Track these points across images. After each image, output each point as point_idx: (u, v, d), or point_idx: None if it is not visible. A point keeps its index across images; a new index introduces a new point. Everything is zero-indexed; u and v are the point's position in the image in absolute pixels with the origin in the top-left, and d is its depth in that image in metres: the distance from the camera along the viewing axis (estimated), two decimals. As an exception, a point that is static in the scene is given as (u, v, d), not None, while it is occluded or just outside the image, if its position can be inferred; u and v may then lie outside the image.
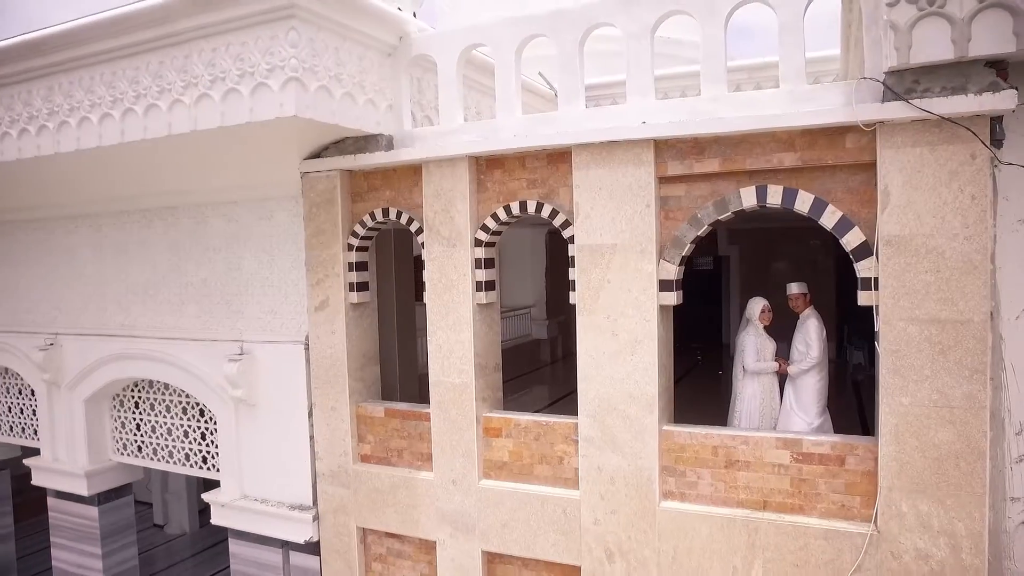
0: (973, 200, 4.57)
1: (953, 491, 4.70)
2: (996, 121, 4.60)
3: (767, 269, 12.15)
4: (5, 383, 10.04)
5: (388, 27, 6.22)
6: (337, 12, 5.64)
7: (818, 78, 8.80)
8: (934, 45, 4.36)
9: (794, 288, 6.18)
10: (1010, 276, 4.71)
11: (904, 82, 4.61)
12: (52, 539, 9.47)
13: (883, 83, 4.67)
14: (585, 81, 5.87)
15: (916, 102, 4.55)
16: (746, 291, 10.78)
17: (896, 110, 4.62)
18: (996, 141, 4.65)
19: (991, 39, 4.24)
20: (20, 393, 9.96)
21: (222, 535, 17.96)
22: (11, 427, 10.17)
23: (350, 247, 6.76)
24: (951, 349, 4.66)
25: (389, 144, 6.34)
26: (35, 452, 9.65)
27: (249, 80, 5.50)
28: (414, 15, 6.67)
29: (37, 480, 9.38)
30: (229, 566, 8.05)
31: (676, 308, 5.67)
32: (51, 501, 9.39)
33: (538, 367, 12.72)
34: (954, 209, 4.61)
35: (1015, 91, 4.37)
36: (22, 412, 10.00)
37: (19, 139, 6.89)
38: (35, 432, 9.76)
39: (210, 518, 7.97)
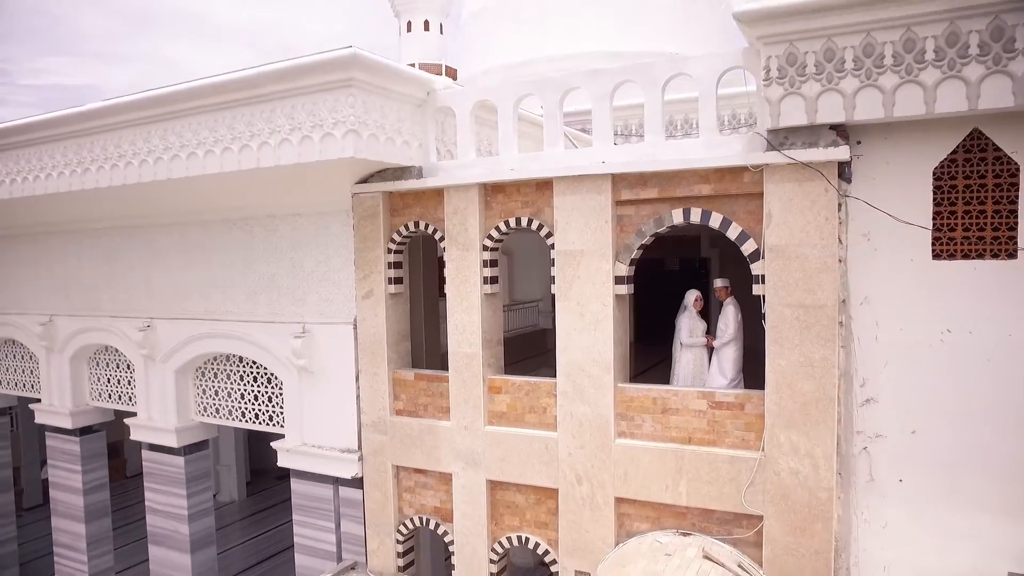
0: (827, 221, 6.55)
1: (813, 426, 6.68)
2: (845, 165, 6.56)
3: (743, 266, 14.02)
4: (108, 359, 12.35)
5: (419, 86, 8.32)
6: (382, 80, 7.75)
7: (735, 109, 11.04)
8: (795, 114, 6.35)
9: (718, 283, 8.15)
10: (856, 273, 6.66)
11: (778, 138, 6.60)
12: (146, 483, 11.74)
13: (765, 138, 6.66)
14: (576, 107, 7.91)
15: (786, 152, 6.54)
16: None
17: (774, 157, 6.61)
18: (847, 178, 6.62)
19: (831, 111, 6.22)
20: (118, 367, 12.27)
21: (266, 503, 20.53)
22: (110, 395, 12.49)
23: (389, 250, 8.88)
24: (812, 326, 6.63)
25: (419, 173, 8.44)
26: (120, 417, 11.93)
27: (319, 130, 7.63)
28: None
29: (135, 436, 11.66)
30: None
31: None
32: (145, 453, 11.65)
33: (543, 351, 14.74)
34: (814, 227, 6.58)
35: (847, 146, 6.35)
36: (119, 382, 12.31)
37: (139, 168, 9.10)
38: (131, 398, 12.06)
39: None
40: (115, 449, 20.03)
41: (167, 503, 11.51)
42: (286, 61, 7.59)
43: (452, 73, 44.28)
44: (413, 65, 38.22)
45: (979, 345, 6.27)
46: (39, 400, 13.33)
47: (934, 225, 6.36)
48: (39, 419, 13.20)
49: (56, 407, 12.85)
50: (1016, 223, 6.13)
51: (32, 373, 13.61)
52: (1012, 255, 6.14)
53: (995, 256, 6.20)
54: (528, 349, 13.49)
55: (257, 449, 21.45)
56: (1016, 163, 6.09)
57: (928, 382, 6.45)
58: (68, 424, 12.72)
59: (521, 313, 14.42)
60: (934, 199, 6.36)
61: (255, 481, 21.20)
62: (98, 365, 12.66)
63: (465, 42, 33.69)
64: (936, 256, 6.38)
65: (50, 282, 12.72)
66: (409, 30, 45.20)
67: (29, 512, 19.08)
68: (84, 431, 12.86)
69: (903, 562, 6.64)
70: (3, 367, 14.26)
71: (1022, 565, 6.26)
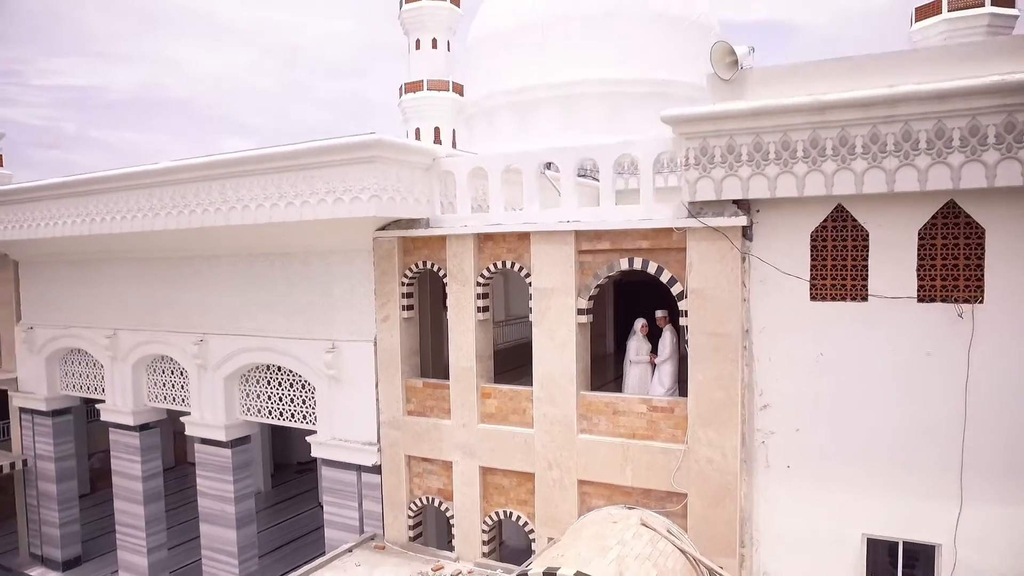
0: (732, 270, 8.72)
1: (723, 425, 8.84)
2: (747, 228, 8.72)
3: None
4: (164, 366, 14.65)
5: (427, 155, 10.54)
6: (398, 154, 9.97)
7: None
8: (705, 192, 8.52)
9: (659, 313, 10.30)
10: (755, 310, 8.82)
11: (696, 208, 8.77)
12: (198, 471, 14.02)
13: (687, 207, 8.84)
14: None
15: (701, 219, 8.72)
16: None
17: (693, 223, 8.79)
18: (749, 238, 8.78)
19: (732, 191, 8.39)
20: (173, 373, 14.57)
21: (289, 493, 22.80)
22: (165, 397, 14.79)
23: (402, 283, 11.11)
24: (722, 349, 8.80)
25: (427, 224, 10.66)
26: (175, 416, 14.20)
27: (349, 194, 9.85)
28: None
29: (189, 432, 13.95)
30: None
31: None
32: (198, 446, 13.93)
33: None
34: (723, 275, 8.75)
35: (747, 216, 8.52)
36: (174, 386, 14.60)
37: (202, 215, 11.35)
38: (184, 400, 14.34)
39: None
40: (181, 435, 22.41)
41: (216, 488, 13.79)
42: (324, 141, 9.83)
43: (459, 88, 46.51)
44: (422, 82, 40.36)
45: (844, 364, 8.42)
46: (103, 401, 15.64)
47: (811, 275, 8.52)
48: (104, 417, 15.51)
49: (119, 407, 15.17)
50: (868, 275, 8.28)
51: (98, 378, 15.94)
52: (865, 299, 8.29)
53: (854, 299, 8.36)
54: (520, 358, 15.63)
55: (279, 445, 23.79)
56: (867, 230, 8.24)
57: (808, 392, 8.61)
58: (130, 421, 15.04)
59: (515, 327, 16.60)
60: (811, 255, 8.52)
61: (277, 473, 23.51)
62: (155, 372, 14.97)
63: (471, 65, 35.95)
64: (813, 298, 8.54)
65: (115, 301, 15.02)
66: (418, 48, 47.46)
67: (80, 500, 21.41)
68: (143, 427, 15.18)
69: (792, 528, 8.80)
70: (72, 373, 16.61)
71: (873, 529, 8.41)
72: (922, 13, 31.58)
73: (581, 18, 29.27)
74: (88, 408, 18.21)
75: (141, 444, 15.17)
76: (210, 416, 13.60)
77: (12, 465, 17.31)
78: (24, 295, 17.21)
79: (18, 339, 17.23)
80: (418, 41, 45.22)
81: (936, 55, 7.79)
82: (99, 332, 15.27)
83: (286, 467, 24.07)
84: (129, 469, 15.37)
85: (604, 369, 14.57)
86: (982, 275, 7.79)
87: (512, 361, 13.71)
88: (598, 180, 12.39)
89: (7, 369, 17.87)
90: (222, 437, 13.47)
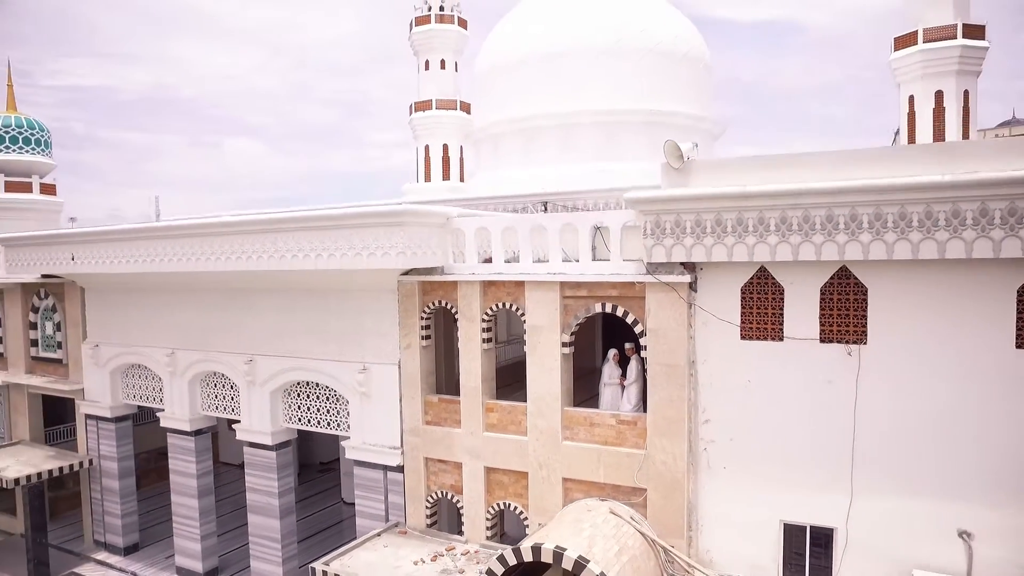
0: (681, 315, 11.22)
1: (674, 436, 11.35)
2: (693, 283, 11.21)
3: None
4: (216, 381, 17.24)
5: (442, 217, 13.07)
6: (421, 219, 12.51)
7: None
8: (659, 255, 11.02)
9: (627, 345, 12.79)
10: (699, 345, 11.30)
11: (653, 267, 11.28)
12: (247, 470, 16.60)
13: (646, 266, 11.35)
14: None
15: (657, 276, 11.23)
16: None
17: (650, 279, 11.30)
18: (695, 289, 11.28)
19: (679, 255, 10.88)
20: (224, 387, 17.15)
21: (313, 491, 25.35)
22: (217, 406, 17.38)
23: (422, 317, 13.65)
24: (673, 376, 11.31)
25: (442, 271, 13.19)
26: (221, 424, 16.76)
27: (380, 250, 12.38)
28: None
29: (240, 437, 16.52)
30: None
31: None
32: (247, 448, 16.50)
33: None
34: (674, 318, 11.26)
35: (693, 274, 11.01)
36: (225, 398, 17.19)
37: (256, 260, 13.89)
38: (233, 409, 16.92)
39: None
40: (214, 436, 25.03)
41: (263, 484, 16.38)
42: (362, 207, 12.40)
43: (466, 107, 49.17)
44: (431, 101, 42.96)
45: (766, 389, 10.91)
46: (162, 409, 18.25)
47: (741, 320, 11.02)
48: (164, 423, 18.12)
49: (177, 415, 17.78)
50: (783, 321, 10.77)
51: (157, 389, 18.55)
52: (781, 339, 10.78)
53: (773, 339, 10.85)
54: (518, 375, 18.15)
55: (304, 447, 26.37)
56: (782, 287, 10.73)
57: (739, 410, 11.10)
58: (187, 428, 17.66)
59: (514, 346, 19.08)
60: (741, 305, 11.02)
61: (302, 472, 26.09)
62: (208, 385, 17.57)
63: (478, 92, 38.74)
64: (742, 338, 11.03)
65: (173, 324, 17.61)
66: (427, 68, 50.13)
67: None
68: (197, 432, 17.79)
69: (727, 516, 11.29)
70: (133, 384, 19.23)
71: (787, 516, 10.90)
72: (900, 43, 33.96)
73: (580, 53, 31.99)
74: (135, 414, 20.76)
75: (196, 447, 17.78)
76: (258, 423, 16.18)
77: (80, 464, 19.95)
78: (90, 317, 19.84)
79: (85, 355, 19.85)
80: (427, 62, 47.68)
81: (829, 158, 10.28)
82: (159, 351, 17.86)
83: (310, 467, 26.67)
84: (185, 468, 17.99)
85: (592, 383, 17.05)
86: (866, 323, 10.28)
87: (511, 376, 16.18)
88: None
89: (74, 380, 20.51)
90: (268, 441, 16.05)
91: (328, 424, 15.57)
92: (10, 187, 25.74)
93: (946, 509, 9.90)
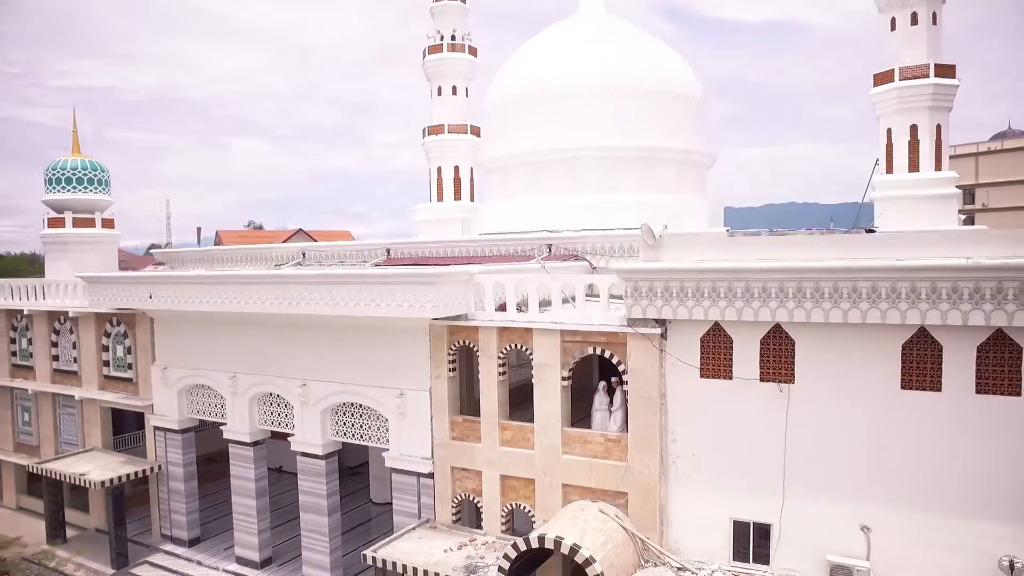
0: (655, 358, 14.44)
1: (650, 452, 14.59)
2: (664, 334, 14.42)
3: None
4: (272, 400, 20.53)
5: (467, 274, 16.29)
6: (451, 279, 15.75)
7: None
8: (636, 312, 14.26)
9: (614, 379, 15.99)
10: (669, 382, 14.51)
11: (632, 321, 14.51)
12: (300, 476, 19.88)
13: (627, 320, 14.57)
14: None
15: (636, 328, 14.46)
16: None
17: (631, 329, 14.53)
18: (665, 338, 14.50)
19: (653, 312, 14.11)
20: (279, 405, 20.44)
21: (344, 492, 28.10)
22: (273, 422, 20.68)
23: (449, 354, 16.91)
24: (648, 405, 14.54)
25: (466, 317, 16.44)
26: (276, 436, 20.05)
27: (419, 302, 15.60)
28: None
29: (294, 448, 19.79)
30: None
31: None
32: (300, 458, 19.78)
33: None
34: (649, 361, 14.49)
35: (664, 327, 14.23)
36: (280, 415, 20.48)
37: (314, 305, 17.13)
38: (287, 425, 20.20)
39: (390, 495, 18.03)
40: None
41: (313, 488, 19.66)
42: (406, 270, 15.62)
43: (476, 131, 52.57)
44: (443, 125, 46.36)
45: (719, 416, 14.11)
46: (224, 423, 21.55)
47: (700, 363, 14.22)
48: (226, 435, 21.42)
49: (238, 429, 21.08)
50: (732, 364, 13.97)
51: (219, 406, 21.84)
52: (731, 378, 13.99)
53: (725, 378, 14.05)
54: (528, 394, 21.37)
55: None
56: (732, 338, 13.94)
57: (699, 433, 14.31)
58: (247, 439, 20.96)
59: (525, 369, 22.28)
60: (700, 351, 14.22)
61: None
62: (265, 404, 20.85)
63: (488, 126, 42.00)
64: (701, 376, 14.25)
65: (234, 351, 20.88)
66: (439, 94, 53.49)
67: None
68: (255, 443, 21.09)
69: (690, 515, 14.50)
70: (197, 401, 22.54)
71: (736, 514, 14.10)
72: (879, 79, 36.90)
73: (581, 94, 35.21)
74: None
75: (254, 455, 21.10)
76: (310, 437, 19.47)
77: (151, 469, 23.29)
78: (158, 343, 23.18)
79: (154, 376, 23.19)
80: (440, 88, 50.86)
81: (767, 242, 13.49)
82: (222, 374, 21.16)
83: (340, 471, 29.91)
84: (244, 473, 21.29)
85: (590, 402, 20.27)
86: (794, 367, 13.48)
87: (520, 396, 19.32)
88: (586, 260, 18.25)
89: (144, 397, 23.86)
90: (319, 452, 19.34)
91: (370, 438, 18.84)
92: (76, 223, 29.06)
93: (852, 509, 13.11)
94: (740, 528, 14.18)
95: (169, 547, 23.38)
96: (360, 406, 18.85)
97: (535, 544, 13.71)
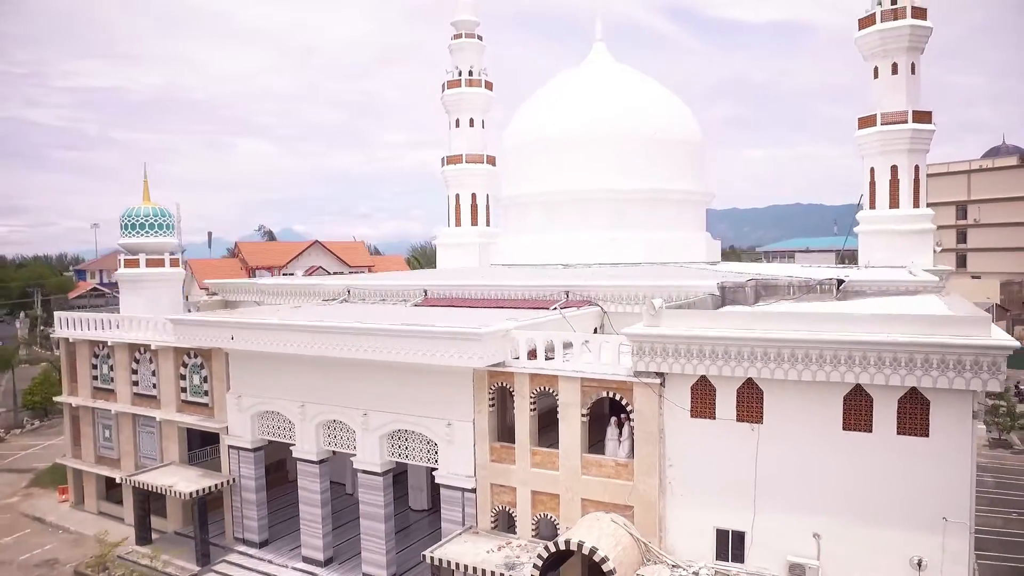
0: (654, 401, 18.45)
1: (650, 473, 18.62)
2: (663, 382, 18.41)
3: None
4: (336, 426, 24.60)
5: (503, 332, 20.30)
6: (493, 335, 19.74)
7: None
8: (641, 366, 18.29)
9: (623, 415, 19.94)
10: (666, 419, 18.51)
11: (638, 373, 18.52)
12: (360, 490, 23.94)
13: (634, 372, 18.59)
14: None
15: (640, 378, 18.47)
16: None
17: (636, 379, 18.55)
18: (663, 385, 18.50)
19: (653, 366, 18.13)
20: (341, 430, 24.49)
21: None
22: (335, 444, 24.75)
23: (489, 392, 20.95)
24: (649, 438, 18.56)
25: (502, 364, 20.46)
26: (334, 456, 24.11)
27: (466, 354, 19.59)
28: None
29: (356, 466, 23.85)
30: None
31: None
32: (360, 475, 23.84)
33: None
34: (650, 403, 18.51)
35: (663, 376, 18.24)
36: (341, 438, 24.53)
37: (372, 352, 21.15)
38: (349, 446, 24.26)
39: (436, 503, 22.11)
40: (281, 464, 32.56)
41: (372, 500, 23.71)
42: (457, 328, 19.63)
43: (491, 160, 56.94)
44: (461, 155, 51.17)
45: (705, 447, 18.10)
46: (293, 444, 25.61)
47: (691, 406, 18.22)
48: (296, 455, 25.50)
49: (306, 450, 25.15)
50: (715, 406, 17.94)
51: (288, 430, 25.90)
52: (714, 418, 17.98)
53: (710, 418, 18.05)
54: (554, 420, 25.39)
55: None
56: (715, 387, 17.92)
57: (690, 459, 18.31)
58: (314, 458, 25.03)
59: (551, 398, 26.30)
60: (691, 396, 18.23)
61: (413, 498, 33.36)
62: (330, 428, 24.92)
63: (506, 166, 46.14)
64: (692, 416, 18.25)
65: (303, 384, 24.91)
66: (457, 126, 57.86)
67: (248, 502, 31.42)
68: (321, 461, 25.16)
69: (683, 525, 18.50)
70: (268, 425, 26.62)
71: (718, 524, 18.08)
72: (863, 122, 40.87)
73: (592, 141, 39.43)
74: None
75: (319, 472, 25.18)
76: (370, 458, 23.52)
77: (225, 483, 27.38)
78: (233, 374, 27.26)
79: (229, 402, 27.27)
80: (458, 120, 54.97)
81: (741, 316, 17.46)
82: (292, 403, 25.21)
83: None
84: (311, 486, 25.37)
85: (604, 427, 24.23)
86: (762, 411, 17.46)
87: (546, 420, 23.32)
88: (599, 306, 22.30)
89: (219, 420, 27.95)
90: (378, 470, 23.40)
91: (421, 459, 22.90)
92: (149, 263, 33.16)
93: (806, 521, 17.08)
94: (721, 535, 18.16)
95: (242, 548, 27.47)
96: (413, 432, 22.89)
97: (562, 547, 17.73)
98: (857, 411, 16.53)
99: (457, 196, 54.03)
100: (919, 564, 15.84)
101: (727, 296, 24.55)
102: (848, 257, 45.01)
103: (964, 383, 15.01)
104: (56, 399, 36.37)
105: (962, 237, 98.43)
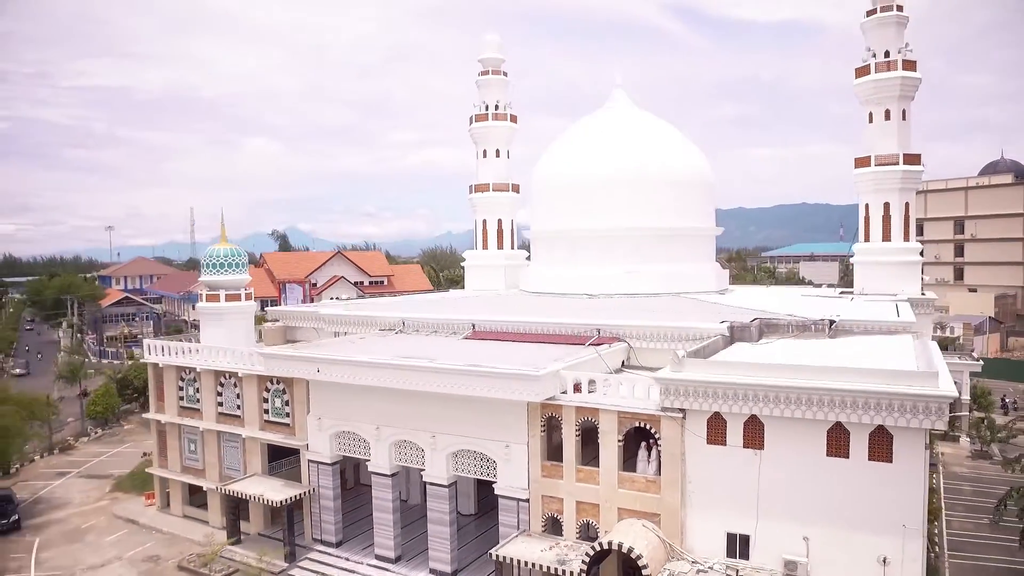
0: (677, 431, 23.15)
1: (674, 488, 23.36)
2: (684, 416, 23.11)
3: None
4: (407, 445, 29.36)
5: (555, 372, 25.03)
6: (545, 376, 24.46)
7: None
8: (667, 402, 23.01)
9: (651, 440, 24.58)
10: (687, 446, 23.19)
11: (666, 409, 23.23)
12: (428, 500, 28.72)
13: (661, 407, 23.29)
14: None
15: (667, 412, 23.18)
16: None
17: (663, 414, 23.27)
18: (686, 418, 23.21)
19: (678, 404, 22.83)
20: (411, 450, 29.28)
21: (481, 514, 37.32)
22: (406, 460, 29.54)
23: (540, 420, 25.68)
24: (673, 460, 23.28)
25: (553, 398, 25.18)
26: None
27: (523, 390, 24.32)
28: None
29: (425, 479, 28.64)
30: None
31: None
32: (429, 486, 28.63)
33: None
34: (675, 433, 23.23)
35: (681, 413, 22.94)
36: (411, 456, 29.31)
37: (430, 384, 25.89)
38: (419, 462, 29.03)
39: (480, 508, 26.91)
40: (341, 473, 37.27)
41: (439, 507, 28.49)
42: (516, 369, 24.35)
43: (516, 188, 61.86)
44: (488, 184, 56.44)
45: (719, 467, 22.79)
46: (368, 460, 30.39)
47: (707, 434, 22.92)
48: (371, 468, 30.28)
49: (381, 465, 29.94)
50: (727, 436, 22.62)
51: (364, 447, 30.68)
52: (726, 444, 22.67)
53: (722, 444, 22.74)
54: (595, 438, 30.07)
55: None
56: (726, 421, 22.59)
57: (706, 477, 23.00)
58: (387, 472, 29.84)
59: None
60: (707, 428, 22.92)
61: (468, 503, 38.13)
62: (401, 447, 29.69)
63: (533, 203, 50.77)
64: (708, 443, 22.96)
65: (378, 408, 29.65)
66: (484, 156, 62.89)
67: (318, 507, 36.27)
68: (392, 475, 29.96)
69: (701, 528, 23.21)
70: (345, 443, 31.41)
71: (729, 529, 22.75)
72: (859, 163, 45.35)
73: (613, 183, 44.06)
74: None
75: (392, 483, 29.96)
76: (438, 473, 28.29)
77: (307, 492, 32.20)
78: (313, 399, 32.07)
79: (310, 423, 32.07)
80: (484, 151, 59.64)
81: (742, 366, 22.14)
82: (368, 425, 30.00)
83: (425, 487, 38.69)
84: (383, 495, 30.16)
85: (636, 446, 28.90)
86: (763, 440, 22.15)
87: (587, 438, 27.97)
88: (626, 342, 27.04)
89: (300, 438, 32.75)
90: (444, 483, 28.18)
91: (482, 474, 27.66)
92: (228, 298, 38.01)
93: (797, 527, 21.76)
94: (731, 537, 22.85)
95: (320, 548, 32.28)
96: (475, 452, 27.63)
97: (605, 546, 22.46)
98: (838, 442, 21.18)
99: (484, 222, 58.70)
100: (884, 561, 20.51)
101: (735, 334, 29.21)
102: (852, 263, 49.59)
103: (918, 423, 19.70)
104: (145, 415, 41.27)
105: (959, 251, 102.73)
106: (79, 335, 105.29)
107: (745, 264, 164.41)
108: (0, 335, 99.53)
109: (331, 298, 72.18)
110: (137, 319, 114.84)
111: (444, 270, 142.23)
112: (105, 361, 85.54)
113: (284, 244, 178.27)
